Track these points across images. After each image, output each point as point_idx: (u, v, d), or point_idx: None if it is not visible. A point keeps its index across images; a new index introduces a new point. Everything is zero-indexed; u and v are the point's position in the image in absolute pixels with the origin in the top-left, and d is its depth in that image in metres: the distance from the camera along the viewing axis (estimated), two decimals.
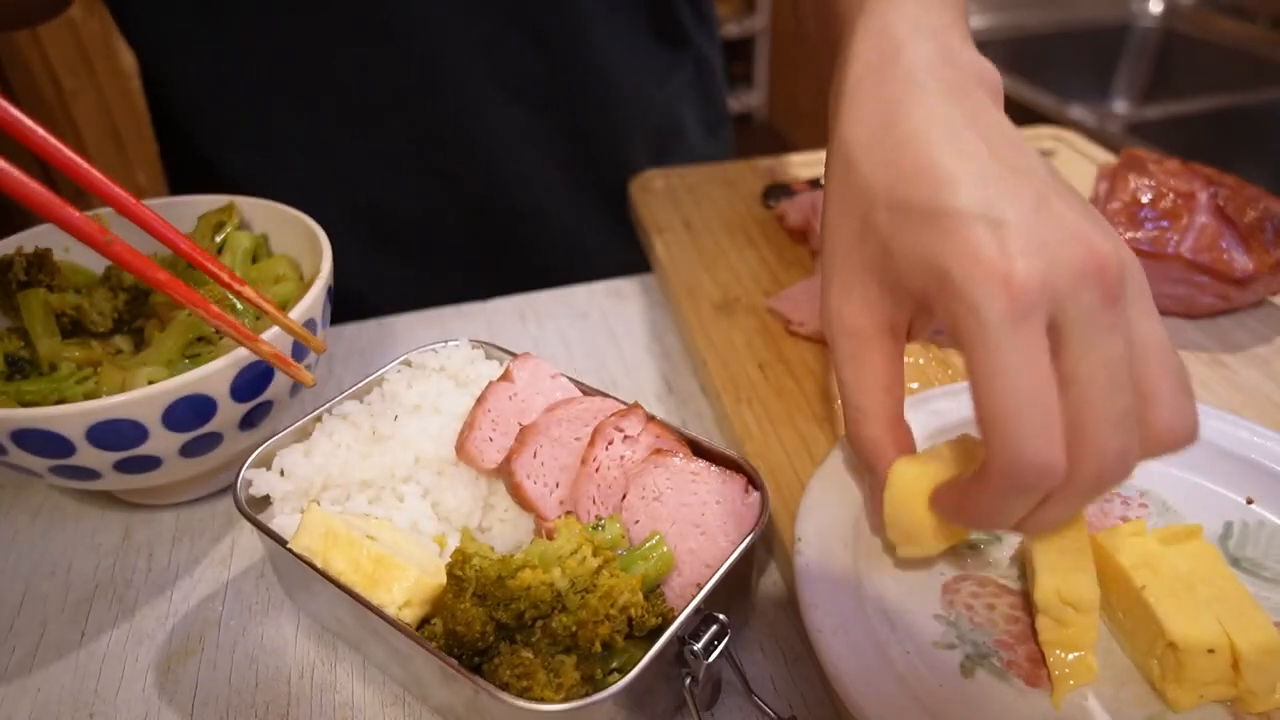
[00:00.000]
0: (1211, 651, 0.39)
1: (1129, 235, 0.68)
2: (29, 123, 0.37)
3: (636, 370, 0.73)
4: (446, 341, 0.59)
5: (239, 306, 0.57)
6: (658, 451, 0.48)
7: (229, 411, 0.51)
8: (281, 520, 0.48)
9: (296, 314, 0.53)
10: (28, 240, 0.62)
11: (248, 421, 0.54)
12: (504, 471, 0.48)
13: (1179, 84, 1.99)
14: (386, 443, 0.52)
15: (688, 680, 0.41)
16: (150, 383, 0.51)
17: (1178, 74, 2.01)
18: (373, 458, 0.51)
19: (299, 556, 0.43)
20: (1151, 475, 0.53)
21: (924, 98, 0.40)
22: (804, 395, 0.64)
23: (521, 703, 0.37)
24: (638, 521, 0.46)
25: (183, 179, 0.91)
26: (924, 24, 0.43)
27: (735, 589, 0.47)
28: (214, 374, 0.49)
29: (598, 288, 0.83)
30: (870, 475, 0.45)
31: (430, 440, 0.52)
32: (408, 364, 0.58)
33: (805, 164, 0.98)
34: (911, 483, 0.43)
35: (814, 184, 0.91)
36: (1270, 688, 0.40)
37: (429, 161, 0.85)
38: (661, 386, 0.71)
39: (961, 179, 0.36)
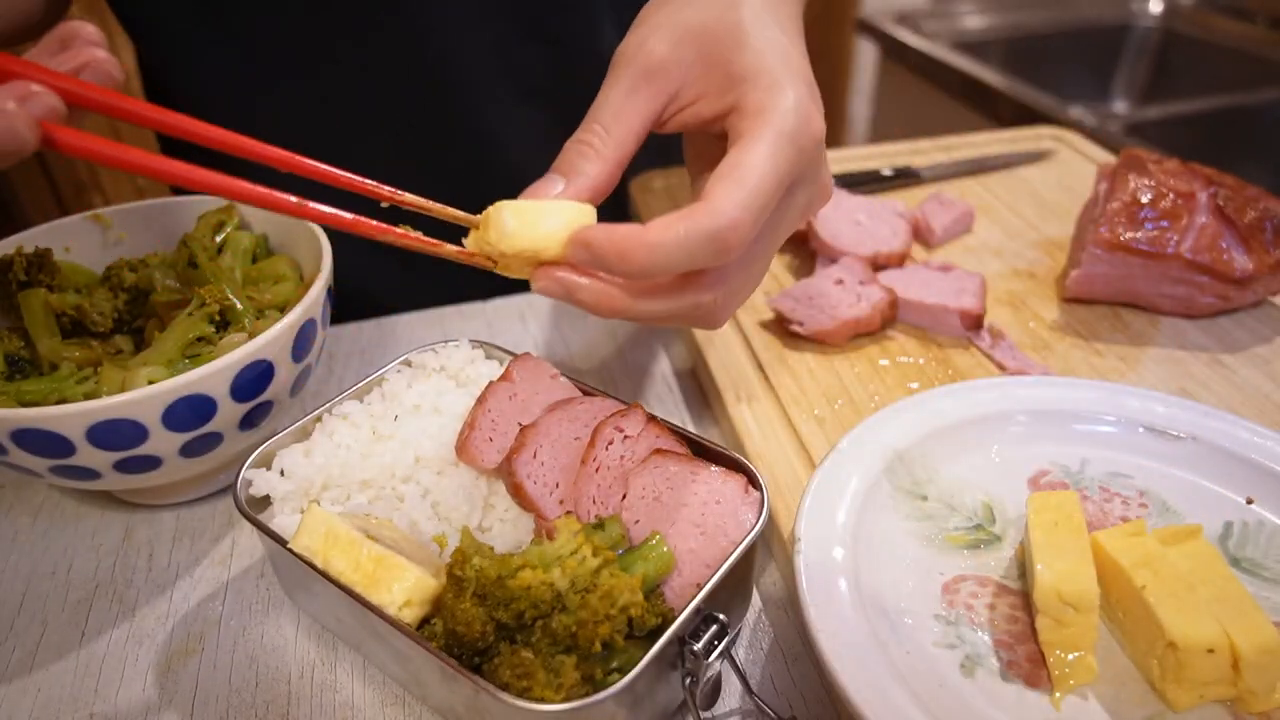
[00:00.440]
0: (1211, 651, 0.39)
1: (1129, 235, 0.68)
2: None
3: (636, 370, 0.73)
4: (446, 341, 0.59)
5: (239, 306, 0.57)
6: (658, 451, 0.48)
7: (229, 411, 0.51)
8: (281, 520, 0.48)
9: (296, 314, 0.53)
10: (28, 240, 0.62)
11: (248, 421, 0.54)
12: (504, 471, 0.48)
13: (1179, 84, 1.99)
14: (386, 443, 0.52)
15: (688, 680, 0.41)
16: (150, 383, 0.51)
17: (1177, 74, 2.01)
18: (373, 458, 0.51)
19: (299, 556, 0.43)
20: (1151, 475, 0.53)
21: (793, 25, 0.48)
22: (804, 395, 0.64)
23: (521, 703, 0.37)
24: (638, 521, 0.46)
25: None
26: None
27: (735, 589, 0.47)
28: (214, 374, 0.49)
29: None
30: (564, 175, 0.44)
31: (430, 440, 0.52)
32: (408, 364, 0.58)
33: None
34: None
35: None
36: (1270, 688, 0.40)
37: (435, 160, 0.85)
38: (661, 386, 0.71)
39: (796, 54, 0.44)
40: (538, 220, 0.41)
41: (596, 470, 0.48)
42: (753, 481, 0.47)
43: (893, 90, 2.25)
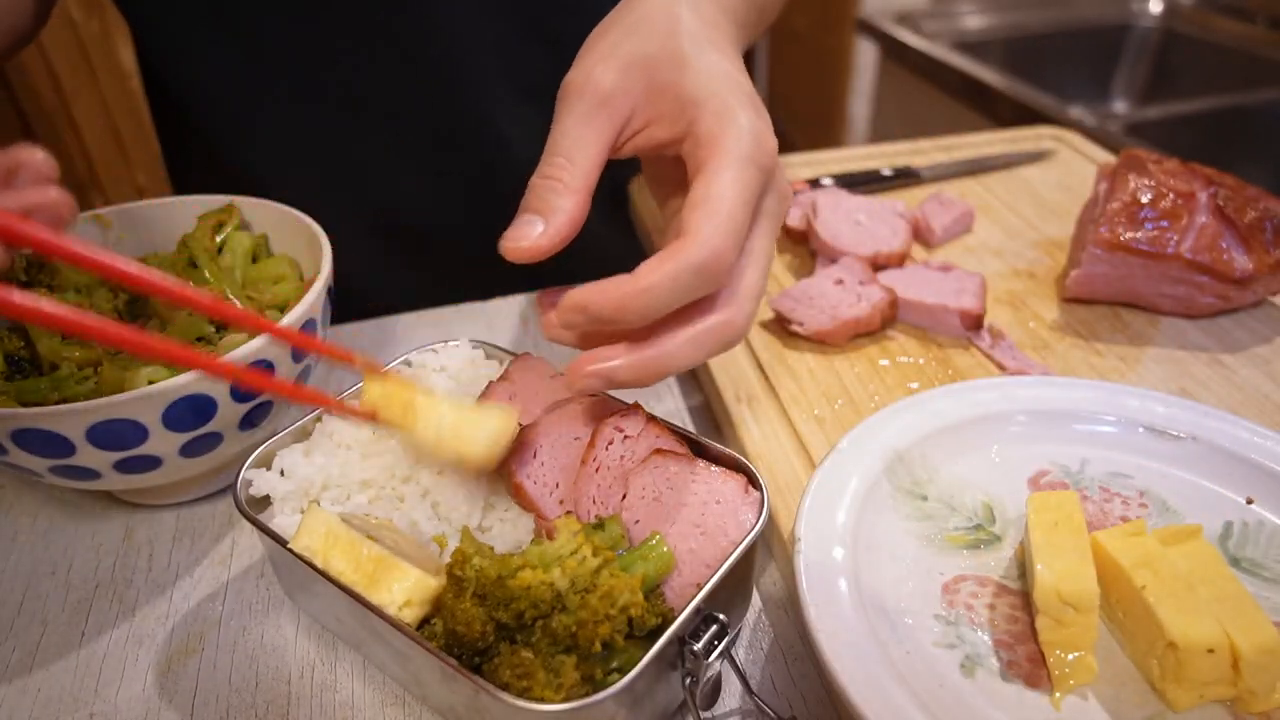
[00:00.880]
0: (1211, 651, 0.39)
1: (1129, 235, 0.68)
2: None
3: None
4: (446, 341, 0.59)
5: (239, 306, 0.57)
6: (658, 451, 0.48)
7: (229, 411, 0.51)
8: (281, 520, 0.48)
9: (296, 314, 0.53)
10: None
11: (248, 421, 0.54)
12: (504, 471, 0.48)
13: (1179, 84, 1.99)
14: (386, 443, 0.52)
15: (688, 680, 0.41)
16: (150, 383, 0.51)
17: (1178, 74, 2.01)
18: (373, 458, 0.51)
19: (299, 556, 0.43)
20: (1151, 475, 0.53)
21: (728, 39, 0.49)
22: (804, 395, 0.64)
23: (521, 703, 0.37)
24: (638, 521, 0.46)
25: (188, 178, 0.91)
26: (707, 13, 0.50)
27: (735, 589, 0.47)
28: None
29: None
30: (539, 214, 0.44)
31: None
32: (408, 364, 0.58)
33: (805, 164, 0.98)
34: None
35: (814, 184, 0.91)
36: (1270, 688, 0.40)
37: (437, 161, 0.85)
38: (661, 386, 0.71)
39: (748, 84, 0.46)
40: (472, 434, 0.45)
41: (596, 470, 0.48)
42: (753, 481, 0.47)
43: (893, 90, 2.25)
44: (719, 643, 0.41)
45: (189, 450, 0.52)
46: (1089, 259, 0.70)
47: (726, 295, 0.43)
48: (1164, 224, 0.68)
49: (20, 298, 0.32)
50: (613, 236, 0.93)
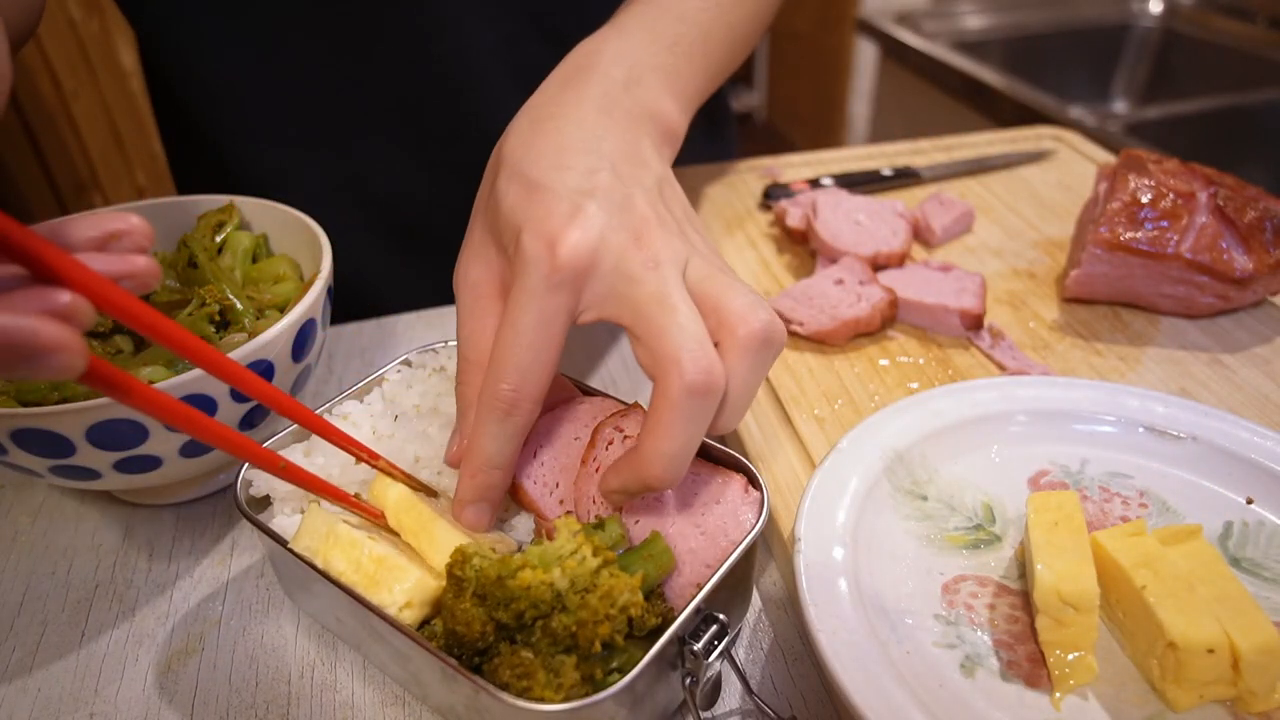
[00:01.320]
0: (1211, 651, 0.39)
1: (1129, 235, 0.68)
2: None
3: (636, 370, 0.73)
4: (446, 341, 0.59)
5: (239, 306, 0.57)
6: None
7: (229, 411, 0.51)
8: (281, 520, 0.48)
9: (296, 314, 0.53)
10: None
11: (248, 421, 0.54)
12: None
13: (1179, 84, 1.99)
14: (386, 443, 0.52)
15: (688, 680, 0.41)
16: (150, 383, 0.51)
17: (1178, 74, 2.01)
18: None
19: (300, 557, 0.43)
20: (1151, 475, 0.53)
21: (586, 109, 0.48)
22: (804, 395, 0.64)
23: (521, 703, 0.37)
24: (638, 521, 0.46)
25: (192, 176, 0.91)
26: (633, 57, 0.52)
27: (735, 589, 0.47)
28: None
29: None
30: (461, 423, 0.46)
31: (430, 440, 0.52)
32: (408, 364, 0.58)
33: (805, 164, 0.98)
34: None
35: (814, 184, 0.91)
36: (1270, 688, 0.40)
37: (444, 158, 0.85)
38: None
39: (574, 169, 0.44)
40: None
41: (596, 470, 0.48)
42: (753, 481, 0.47)
43: (893, 90, 2.25)
44: (719, 643, 0.41)
45: (189, 450, 0.52)
46: (1089, 259, 0.70)
47: (657, 364, 0.42)
48: (1164, 224, 0.68)
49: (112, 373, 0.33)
50: None
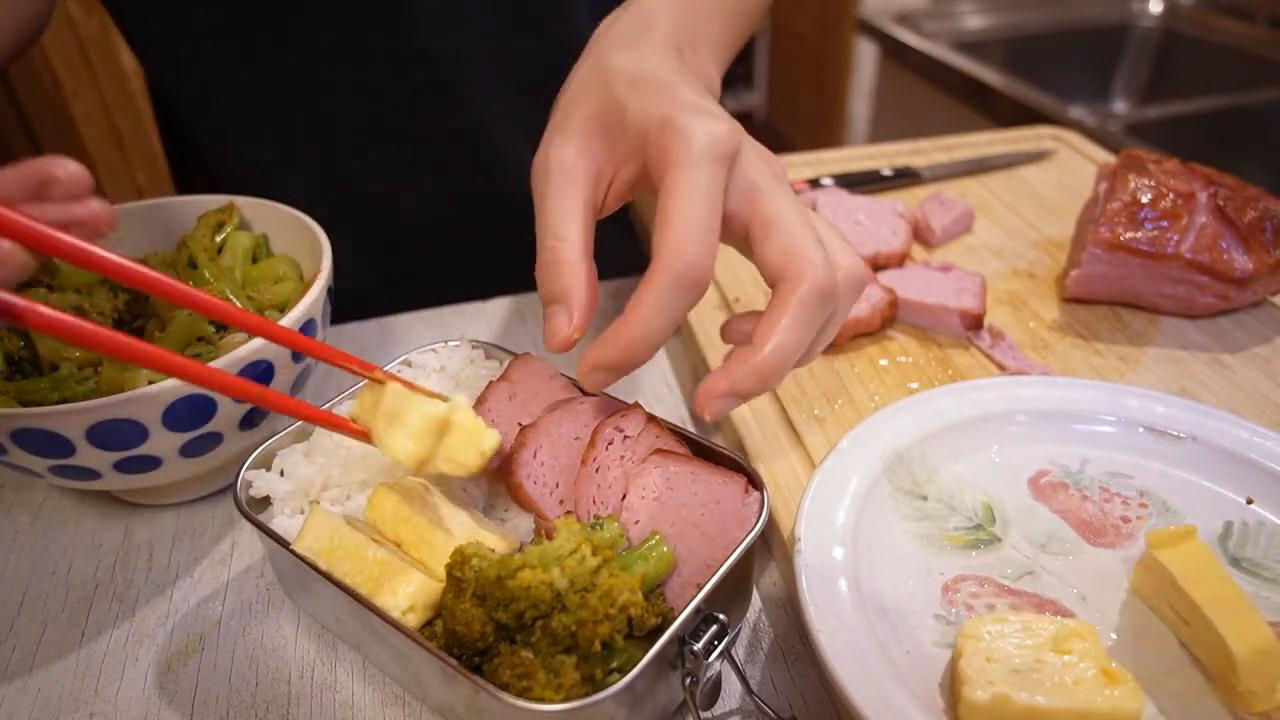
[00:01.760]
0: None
1: (1129, 235, 0.68)
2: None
3: (636, 370, 0.73)
4: (446, 341, 0.59)
5: (239, 306, 0.57)
6: (658, 451, 0.48)
7: (229, 411, 0.51)
8: (281, 521, 0.48)
9: (296, 314, 0.53)
10: None
11: (248, 421, 0.54)
12: (504, 471, 0.48)
13: (1179, 84, 1.99)
14: None
15: (688, 680, 0.41)
16: (150, 383, 0.51)
17: (1178, 74, 2.01)
18: (373, 458, 0.51)
19: (302, 558, 0.43)
20: (1151, 475, 0.53)
21: (671, 61, 0.50)
22: (804, 395, 0.64)
23: (521, 703, 0.37)
24: (638, 521, 0.46)
25: (188, 177, 0.91)
26: (683, 25, 0.54)
27: (735, 589, 0.47)
28: None
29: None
30: (560, 301, 0.46)
31: None
32: (408, 364, 0.58)
33: (805, 164, 0.98)
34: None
35: (814, 184, 0.91)
36: (1269, 688, 0.40)
37: (433, 158, 0.85)
38: (661, 386, 0.71)
39: (693, 86, 0.47)
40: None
41: (596, 470, 0.48)
42: (753, 481, 0.47)
43: (893, 90, 2.25)
44: (719, 643, 0.41)
45: (189, 450, 0.52)
46: (1089, 259, 0.70)
47: (791, 262, 0.43)
48: (1164, 224, 0.68)
49: (20, 303, 0.32)
50: (614, 237, 0.93)
